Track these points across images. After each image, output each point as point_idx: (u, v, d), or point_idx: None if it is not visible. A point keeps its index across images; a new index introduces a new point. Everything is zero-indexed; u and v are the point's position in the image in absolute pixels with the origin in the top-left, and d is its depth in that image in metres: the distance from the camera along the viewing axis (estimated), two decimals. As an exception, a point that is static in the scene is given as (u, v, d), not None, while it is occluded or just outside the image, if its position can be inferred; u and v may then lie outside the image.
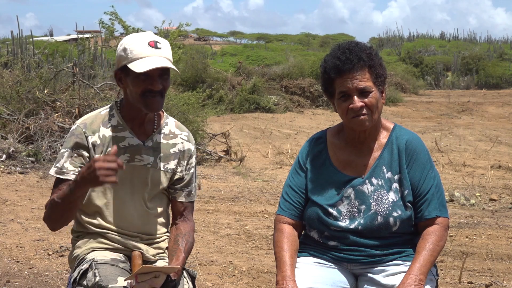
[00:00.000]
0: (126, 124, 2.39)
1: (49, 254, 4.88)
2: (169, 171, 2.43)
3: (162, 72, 2.28)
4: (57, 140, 8.81)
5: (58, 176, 2.33)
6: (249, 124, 14.40)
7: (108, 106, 2.46)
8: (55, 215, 2.29)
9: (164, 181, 2.43)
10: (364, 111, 2.20)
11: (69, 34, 36.46)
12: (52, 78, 10.34)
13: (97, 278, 2.20)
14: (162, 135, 2.44)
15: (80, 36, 17.15)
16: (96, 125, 2.37)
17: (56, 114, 9.40)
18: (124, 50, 2.28)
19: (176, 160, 2.45)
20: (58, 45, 22.62)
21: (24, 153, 8.52)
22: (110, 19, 10.83)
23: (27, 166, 8.28)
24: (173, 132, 2.47)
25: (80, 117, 10.71)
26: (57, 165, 2.33)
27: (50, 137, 8.90)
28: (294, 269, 2.23)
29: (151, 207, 2.44)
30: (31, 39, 17.87)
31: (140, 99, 2.28)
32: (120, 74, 2.32)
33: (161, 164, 2.41)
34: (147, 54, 2.25)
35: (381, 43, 41.80)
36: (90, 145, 2.34)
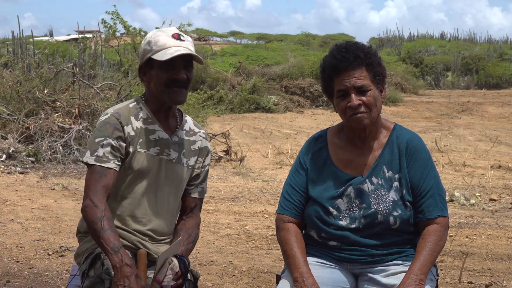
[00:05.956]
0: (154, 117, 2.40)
1: (49, 254, 4.87)
2: (189, 167, 2.47)
3: (186, 64, 2.30)
4: (57, 140, 8.82)
5: (98, 164, 2.25)
6: (249, 124, 14.41)
7: (133, 100, 2.44)
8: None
9: (186, 177, 2.47)
10: (362, 109, 2.20)
11: (69, 34, 36.44)
12: (52, 78, 10.35)
13: (105, 267, 2.23)
14: (184, 131, 2.48)
15: (81, 36, 17.15)
16: (128, 116, 2.34)
17: (56, 114, 9.42)
18: (149, 43, 2.31)
19: (195, 157, 2.49)
20: (58, 45, 22.64)
21: (24, 153, 8.52)
22: (111, 18, 10.84)
23: (27, 166, 8.29)
24: (193, 129, 2.52)
25: (80, 117, 10.51)
26: (95, 153, 2.25)
27: (50, 137, 8.90)
28: (308, 265, 2.23)
29: (174, 205, 2.45)
30: (31, 39, 17.89)
31: (164, 89, 2.29)
32: (145, 68, 2.34)
33: (184, 160, 2.45)
34: (171, 44, 2.28)
35: (381, 43, 41.76)
36: (127, 136, 2.31)
